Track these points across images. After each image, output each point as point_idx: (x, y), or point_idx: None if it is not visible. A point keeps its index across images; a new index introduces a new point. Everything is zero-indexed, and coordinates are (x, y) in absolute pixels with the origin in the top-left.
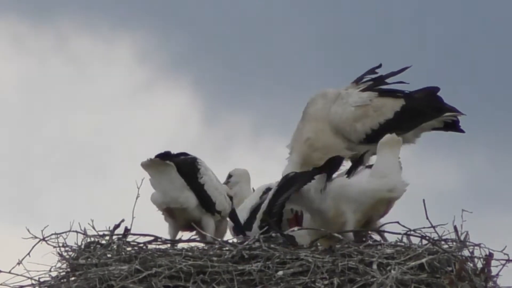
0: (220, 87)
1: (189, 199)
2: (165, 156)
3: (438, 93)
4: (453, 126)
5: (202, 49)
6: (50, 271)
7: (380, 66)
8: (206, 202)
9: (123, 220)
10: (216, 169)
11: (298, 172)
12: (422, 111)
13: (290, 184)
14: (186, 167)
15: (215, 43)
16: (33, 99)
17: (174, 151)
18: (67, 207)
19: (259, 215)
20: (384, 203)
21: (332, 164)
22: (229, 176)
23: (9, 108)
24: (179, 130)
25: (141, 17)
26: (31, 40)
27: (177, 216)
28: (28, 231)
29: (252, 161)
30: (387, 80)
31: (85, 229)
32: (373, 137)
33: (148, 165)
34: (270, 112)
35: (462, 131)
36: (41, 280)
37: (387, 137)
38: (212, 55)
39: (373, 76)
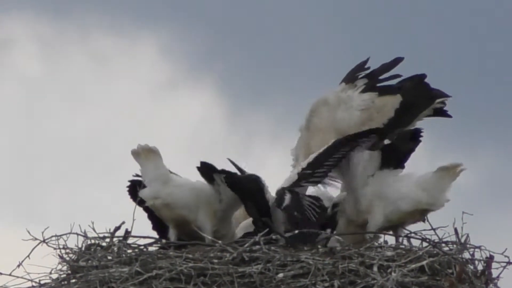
0: (243, 84)
1: (173, 194)
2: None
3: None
4: (441, 111)
5: (225, 46)
6: (50, 273)
7: (367, 60)
8: None
9: (123, 222)
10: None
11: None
12: (417, 103)
13: (339, 146)
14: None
15: (238, 41)
16: (43, 98)
17: (197, 149)
18: (67, 208)
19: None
20: (420, 213)
21: (392, 153)
22: None
23: (14, 107)
24: (201, 128)
25: (164, 14)
26: (53, 37)
27: (164, 214)
28: (29, 232)
29: (274, 158)
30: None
31: (85, 231)
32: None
33: (136, 153)
34: (292, 109)
35: (449, 116)
36: (42, 282)
37: (455, 164)
38: (235, 53)
39: (365, 72)
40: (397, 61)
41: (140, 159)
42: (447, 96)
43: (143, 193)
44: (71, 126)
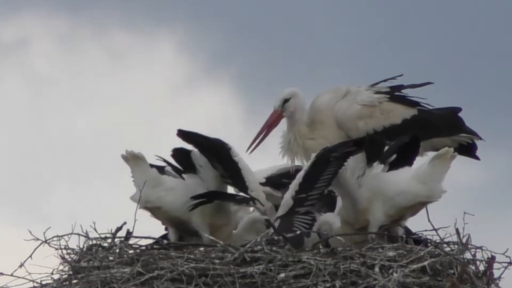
0: (260, 82)
1: (163, 198)
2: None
3: (460, 114)
4: (468, 150)
5: (242, 44)
6: (52, 273)
7: (399, 75)
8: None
9: (125, 223)
10: (255, 163)
11: (331, 146)
12: (435, 126)
13: (325, 162)
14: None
15: (255, 38)
16: (56, 96)
17: None
18: (69, 209)
19: (287, 198)
20: (419, 206)
21: (375, 146)
22: (286, 100)
23: (23, 105)
24: (218, 126)
25: (181, 11)
26: (69, 34)
27: (159, 217)
28: (30, 233)
29: None
30: (405, 91)
31: (87, 231)
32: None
33: (125, 158)
34: None
35: (477, 158)
36: (43, 282)
37: (445, 150)
38: (252, 50)
39: (393, 83)
40: (426, 84)
41: (129, 164)
42: (476, 135)
43: (134, 197)
44: (78, 126)
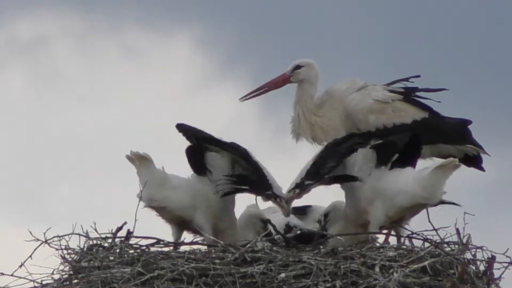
0: None
1: (168, 198)
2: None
3: (469, 126)
4: (474, 161)
5: (259, 41)
6: (52, 273)
7: (416, 76)
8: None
9: (125, 223)
10: (272, 161)
11: (340, 137)
12: (443, 132)
13: (333, 150)
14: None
15: (272, 35)
16: (67, 95)
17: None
18: (70, 209)
19: (291, 184)
20: (418, 207)
21: (388, 148)
22: (298, 67)
23: (29, 104)
24: (234, 123)
25: (197, 8)
26: (85, 32)
27: (163, 216)
28: (31, 233)
29: (308, 152)
30: (420, 94)
31: (87, 231)
32: (381, 134)
33: (130, 159)
34: None
35: (482, 169)
36: (44, 282)
37: (450, 160)
38: (268, 47)
39: (408, 85)
40: (441, 89)
41: (135, 165)
42: (482, 149)
43: (140, 196)
44: (87, 125)
